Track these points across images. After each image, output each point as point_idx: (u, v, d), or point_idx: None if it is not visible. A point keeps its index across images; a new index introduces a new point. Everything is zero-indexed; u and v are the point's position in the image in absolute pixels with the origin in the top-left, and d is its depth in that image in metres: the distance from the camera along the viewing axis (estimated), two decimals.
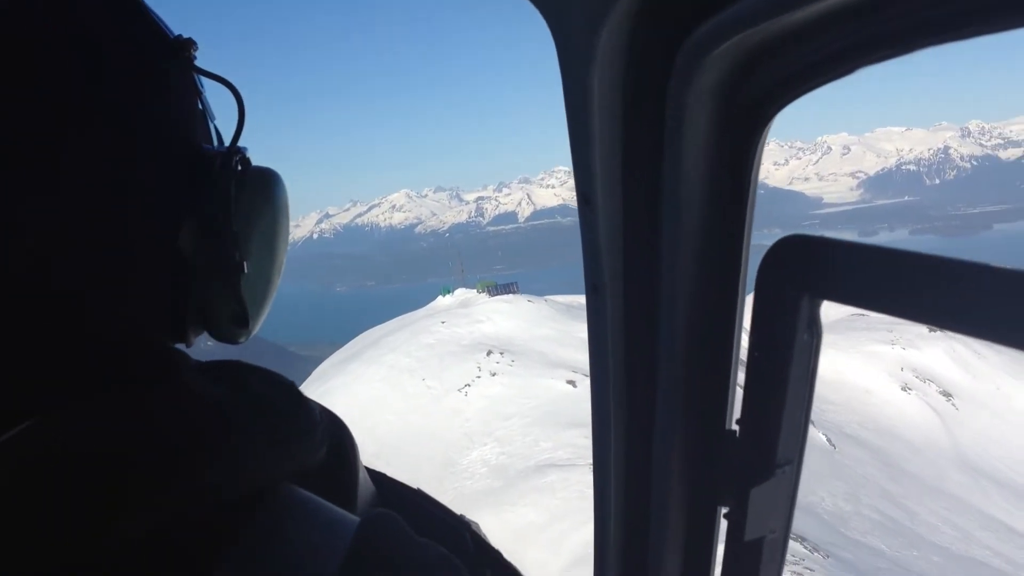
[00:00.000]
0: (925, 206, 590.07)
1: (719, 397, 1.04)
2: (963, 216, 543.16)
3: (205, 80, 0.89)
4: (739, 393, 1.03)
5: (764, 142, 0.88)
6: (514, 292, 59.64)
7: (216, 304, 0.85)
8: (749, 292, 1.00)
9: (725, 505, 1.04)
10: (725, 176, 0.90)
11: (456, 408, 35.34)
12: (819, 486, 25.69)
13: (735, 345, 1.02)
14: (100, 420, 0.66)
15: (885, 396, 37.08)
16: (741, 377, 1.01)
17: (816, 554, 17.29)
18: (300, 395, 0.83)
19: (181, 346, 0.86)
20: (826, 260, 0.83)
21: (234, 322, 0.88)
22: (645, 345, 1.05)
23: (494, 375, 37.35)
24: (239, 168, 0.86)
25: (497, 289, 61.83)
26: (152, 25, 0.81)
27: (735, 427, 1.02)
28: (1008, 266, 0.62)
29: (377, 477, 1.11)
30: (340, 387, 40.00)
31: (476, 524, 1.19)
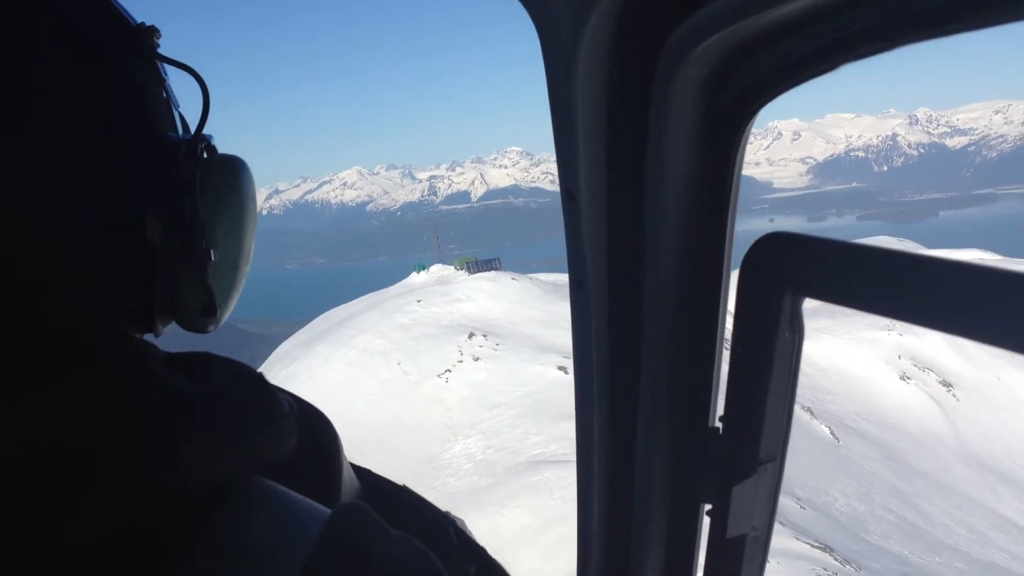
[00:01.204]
0: (873, 192, 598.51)
1: (702, 394, 1.04)
2: (910, 203, 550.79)
3: (169, 68, 0.88)
4: (723, 390, 1.03)
5: (747, 138, 0.88)
6: (497, 269, 55.48)
7: (184, 293, 0.85)
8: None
9: (708, 502, 1.04)
10: (708, 172, 0.90)
11: (436, 396, 32.46)
12: (830, 485, 24.88)
13: (718, 342, 1.02)
14: (62, 411, 0.66)
15: (883, 385, 36.03)
16: (725, 374, 1.02)
17: (848, 567, 16.36)
18: (268, 385, 0.83)
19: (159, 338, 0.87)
20: (808, 257, 0.83)
21: (202, 311, 0.87)
22: (629, 341, 1.04)
23: (477, 360, 34.42)
24: (205, 156, 0.86)
25: (478, 265, 57.09)
26: (114, 13, 0.81)
27: (718, 424, 1.02)
28: (988, 265, 0.62)
29: (361, 473, 1.11)
30: (304, 371, 36.63)
31: (462, 521, 1.20)
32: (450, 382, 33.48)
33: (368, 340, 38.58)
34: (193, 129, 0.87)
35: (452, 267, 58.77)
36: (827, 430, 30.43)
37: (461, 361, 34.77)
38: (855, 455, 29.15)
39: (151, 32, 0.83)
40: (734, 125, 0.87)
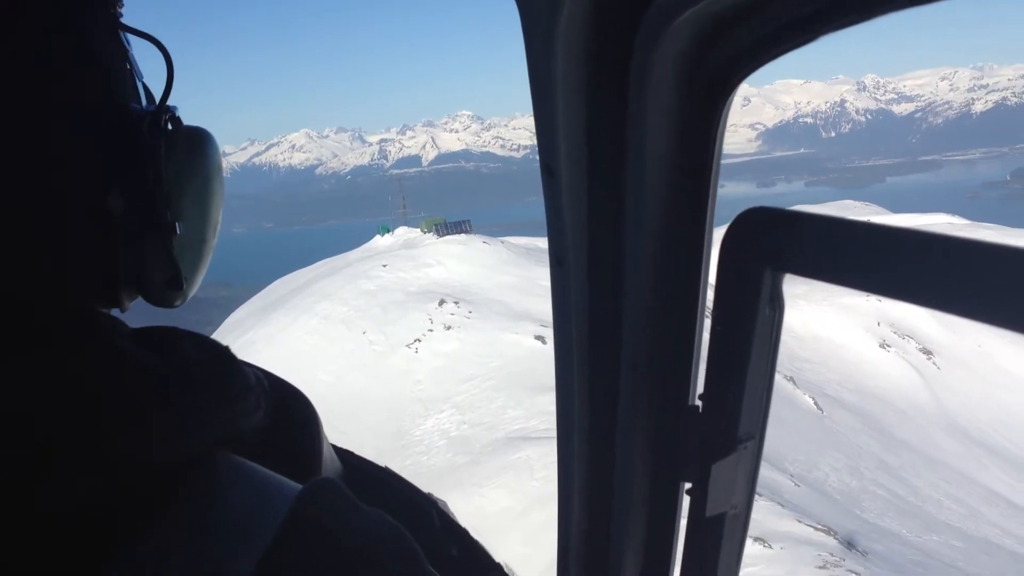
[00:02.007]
0: (821, 159, 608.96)
1: (682, 372, 1.03)
2: (857, 169, 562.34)
3: (132, 38, 0.87)
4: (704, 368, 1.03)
5: (728, 111, 0.87)
6: (467, 232, 51.85)
7: (149, 267, 0.85)
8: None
9: (688, 481, 1.04)
10: (689, 148, 0.89)
11: (405, 367, 30.27)
12: (820, 459, 24.05)
13: (699, 320, 1.01)
14: (21, 385, 0.65)
15: (863, 353, 35.12)
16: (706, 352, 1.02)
17: (854, 551, 15.55)
18: (233, 359, 0.82)
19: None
20: (789, 233, 0.82)
21: (168, 285, 0.87)
22: (609, 318, 1.04)
23: (449, 329, 32.18)
24: (169, 127, 0.85)
25: (447, 228, 53.17)
26: None
27: (698, 402, 1.02)
28: (972, 238, 0.61)
29: (342, 453, 1.10)
30: (262, 340, 34.33)
31: (444, 502, 1.21)
32: (420, 352, 31.30)
33: (330, 307, 36.26)
34: (158, 101, 0.85)
35: (418, 230, 55.70)
36: (811, 400, 29.93)
37: (431, 330, 32.66)
38: (840, 426, 28.60)
39: (113, 1, 0.82)
40: (714, 99, 0.86)
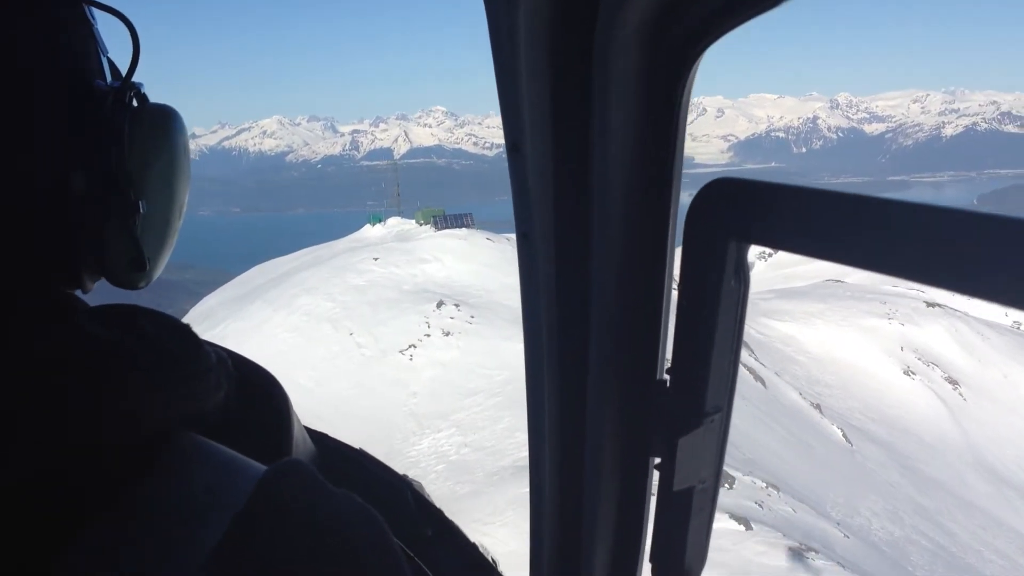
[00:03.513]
0: (791, 173, 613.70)
1: (650, 346, 1.03)
2: (826, 186, 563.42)
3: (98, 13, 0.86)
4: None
5: (692, 83, 0.87)
6: (468, 226, 47.15)
7: (111, 247, 0.83)
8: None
9: (656, 456, 1.04)
10: (654, 118, 0.90)
11: (397, 377, 26.94)
12: (859, 502, 22.39)
13: (666, 294, 1.02)
14: None
15: (887, 380, 32.92)
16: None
17: None
18: (195, 337, 0.82)
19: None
20: (755, 203, 0.83)
21: (132, 267, 0.85)
22: (577, 294, 1.04)
23: (448, 335, 28.75)
24: (134, 104, 0.84)
25: (446, 220, 48.45)
26: None
27: (666, 376, 1.02)
28: (939, 205, 0.61)
29: (316, 436, 1.10)
30: (234, 335, 30.36)
31: (419, 484, 1.23)
32: (415, 360, 27.86)
33: (313, 303, 32.47)
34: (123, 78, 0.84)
35: (413, 221, 51.38)
36: (839, 432, 27.52)
37: (428, 335, 29.14)
38: (871, 463, 26.54)
39: None
40: (678, 70, 0.85)
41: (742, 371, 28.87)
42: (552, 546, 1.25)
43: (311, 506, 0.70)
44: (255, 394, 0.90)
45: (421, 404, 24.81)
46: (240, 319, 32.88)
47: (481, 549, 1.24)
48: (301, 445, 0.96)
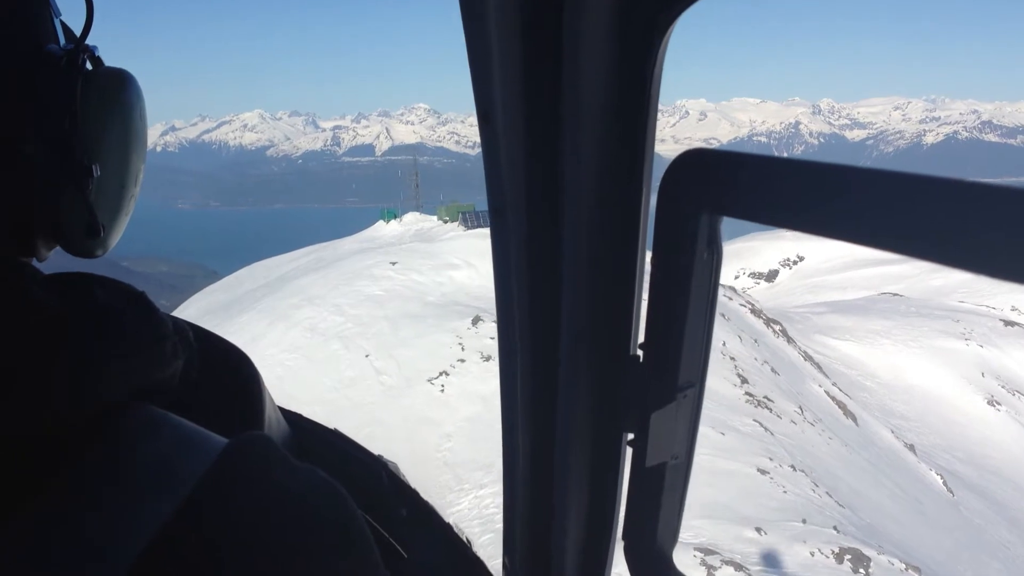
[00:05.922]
0: None
1: (623, 322, 1.02)
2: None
3: None
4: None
5: (663, 54, 0.86)
6: None
7: (66, 213, 0.81)
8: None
9: (630, 432, 1.04)
10: (626, 90, 0.88)
11: (427, 414, 20.30)
12: (979, 571, 18.26)
13: (639, 268, 1.00)
14: None
15: (969, 411, 28.15)
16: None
17: None
18: (150, 305, 0.79)
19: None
20: (726, 175, 0.82)
21: (87, 233, 0.83)
22: (549, 268, 1.03)
23: (488, 360, 21.48)
24: (87, 67, 0.83)
25: (477, 218, 40.47)
26: None
27: (639, 352, 1.01)
28: (915, 173, 0.60)
29: (289, 415, 1.09)
30: None
31: (395, 464, 1.19)
32: (448, 391, 21.10)
33: (318, 316, 25.77)
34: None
35: (435, 218, 45.06)
36: (939, 480, 23.10)
37: (463, 360, 22.06)
38: (977, 517, 21.92)
39: None
40: (649, 40, 0.84)
41: (831, 407, 23.85)
42: (524, 523, 1.24)
43: (274, 479, 0.69)
44: (221, 368, 0.90)
45: (458, 450, 18.87)
46: (227, 333, 27.49)
47: (456, 529, 1.23)
48: (275, 424, 0.95)
